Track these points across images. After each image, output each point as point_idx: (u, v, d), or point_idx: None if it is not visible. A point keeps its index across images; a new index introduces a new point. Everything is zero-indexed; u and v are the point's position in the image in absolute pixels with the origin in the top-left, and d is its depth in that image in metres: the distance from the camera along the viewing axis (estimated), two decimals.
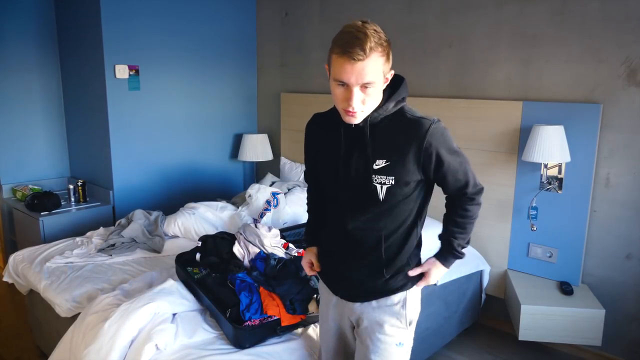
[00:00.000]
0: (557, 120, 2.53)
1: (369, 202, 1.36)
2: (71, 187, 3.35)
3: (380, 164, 1.32)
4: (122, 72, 3.24)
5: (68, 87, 3.60)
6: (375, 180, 1.32)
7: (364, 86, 1.22)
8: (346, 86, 1.23)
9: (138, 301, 1.87)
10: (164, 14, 3.42)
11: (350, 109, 1.25)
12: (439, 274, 1.48)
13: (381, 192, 1.33)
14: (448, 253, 1.47)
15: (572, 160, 2.50)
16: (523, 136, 2.65)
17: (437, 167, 1.32)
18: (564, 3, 2.52)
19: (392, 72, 1.30)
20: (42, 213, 3.08)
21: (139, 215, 2.97)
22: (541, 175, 2.62)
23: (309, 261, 1.62)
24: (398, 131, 1.31)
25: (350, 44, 1.17)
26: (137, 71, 3.32)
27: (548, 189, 2.62)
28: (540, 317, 2.42)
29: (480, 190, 1.43)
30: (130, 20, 3.24)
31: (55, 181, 3.66)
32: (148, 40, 3.36)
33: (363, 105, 1.25)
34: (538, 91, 2.66)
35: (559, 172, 2.58)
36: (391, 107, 1.32)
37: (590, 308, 2.39)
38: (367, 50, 1.17)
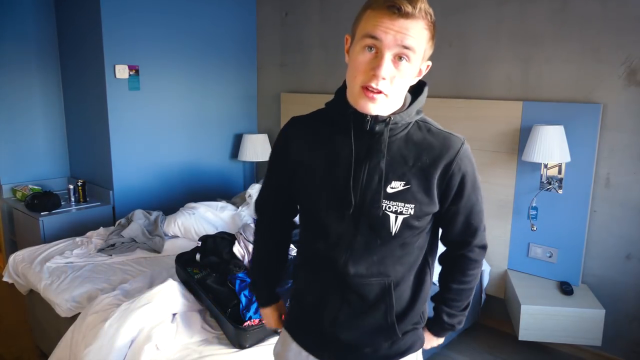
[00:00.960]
0: (557, 120, 2.53)
1: (377, 238, 1.02)
2: (71, 187, 3.35)
3: (396, 186, 1.00)
4: (122, 72, 3.24)
5: (68, 87, 3.60)
6: (389, 207, 1.00)
7: (399, 56, 0.93)
8: (376, 51, 0.93)
9: (138, 301, 1.88)
10: (164, 14, 3.42)
11: (374, 84, 0.93)
12: (433, 344, 1.23)
13: (395, 224, 1.01)
14: (439, 325, 1.18)
15: (572, 160, 2.50)
16: (523, 136, 2.65)
17: (455, 199, 1.04)
18: (564, 3, 2.52)
19: (430, 63, 1.04)
20: (42, 213, 3.08)
21: (139, 215, 2.98)
22: (541, 175, 2.62)
23: (276, 320, 1.29)
24: (422, 146, 1.02)
25: None
26: (137, 71, 3.32)
27: (548, 189, 2.62)
28: (540, 317, 2.41)
29: (485, 247, 1.14)
30: (130, 20, 3.24)
31: (55, 181, 3.66)
32: (148, 40, 3.36)
33: (390, 85, 0.95)
34: (538, 91, 2.66)
35: (559, 172, 2.58)
36: (413, 114, 1.04)
37: (590, 308, 2.38)
38: (417, 9, 0.91)
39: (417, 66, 0.98)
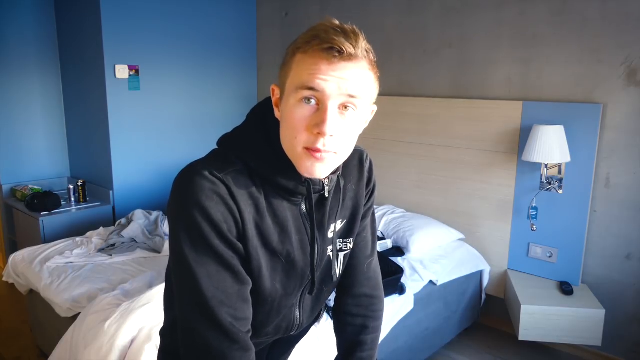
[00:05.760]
0: (557, 120, 2.53)
1: (325, 289, 0.95)
2: (71, 187, 3.34)
3: (336, 226, 0.91)
4: (122, 72, 3.24)
5: (68, 87, 3.60)
6: (331, 249, 0.91)
7: (344, 105, 0.77)
8: (316, 103, 0.76)
9: (138, 301, 1.88)
10: (164, 14, 3.42)
11: (320, 145, 0.76)
12: None
13: (337, 265, 0.93)
14: None
15: (572, 160, 2.50)
16: (523, 136, 2.65)
17: (365, 213, 0.98)
18: (564, 3, 2.52)
19: (375, 108, 0.88)
20: (42, 213, 3.08)
21: (139, 215, 2.97)
22: (541, 175, 2.62)
23: None
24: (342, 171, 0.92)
25: (331, 34, 0.75)
26: (137, 71, 3.32)
27: (548, 189, 2.62)
28: (540, 317, 2.41)
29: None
30: (130, 20, 3.24)
31: (55, 181, 3.66)
32: (148, 40, 3.36)
33: (339, 142, 0.78)
34: (538, 91, 2.66)
35: (559, 172, 2.58)
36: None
37: (590, 308, 2.38)
38: (358, 48, 0.76)
39: (367, 113, 0.83)
